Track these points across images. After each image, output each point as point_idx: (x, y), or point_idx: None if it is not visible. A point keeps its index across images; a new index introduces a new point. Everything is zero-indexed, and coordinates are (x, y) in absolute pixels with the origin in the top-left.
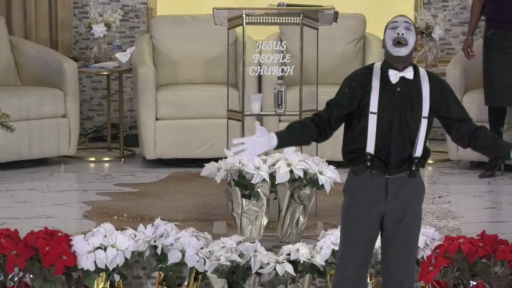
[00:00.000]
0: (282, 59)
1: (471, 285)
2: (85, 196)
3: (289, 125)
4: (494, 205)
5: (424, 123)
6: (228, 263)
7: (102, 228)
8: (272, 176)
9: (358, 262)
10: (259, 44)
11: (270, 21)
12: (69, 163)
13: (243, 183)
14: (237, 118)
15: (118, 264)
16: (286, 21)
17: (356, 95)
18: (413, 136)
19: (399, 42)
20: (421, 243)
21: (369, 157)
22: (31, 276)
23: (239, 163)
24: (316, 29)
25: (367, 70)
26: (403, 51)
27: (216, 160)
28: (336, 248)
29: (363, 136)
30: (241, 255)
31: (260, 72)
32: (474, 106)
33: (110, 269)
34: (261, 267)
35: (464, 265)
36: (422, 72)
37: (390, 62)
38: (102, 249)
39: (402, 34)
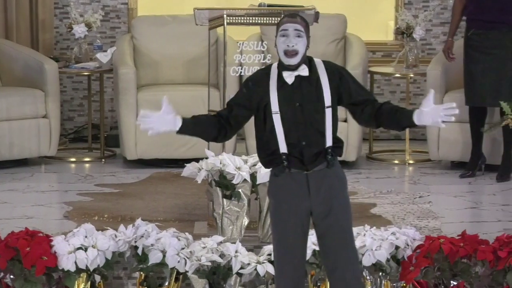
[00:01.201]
0: (263, 60)
1: (451, 285)
2: (65, 196)
3: (194, 115)
4: (475, 205)
5: (328, 112)
6: (209, 264)
7: (83, 229)
8: (253, 176)
9: (295, 260)
10: (240, 44)
11: (251, 21)
12: (50, 164)
13: (224, 183)
14: None
15: (98, 265)
16: (267, 22)
17: (253, 94)
18: (321, 127)
19: (290, 53)
20: (402, 243)
21: (284, 156)
22: (11, 276)
23: (220, 163)
24: None
25: (265, 71)
26: (294, 61)
27: (197, 160)
28: (317, 248)
29: (274, 137)
30: (222, 255)
31: (241, 72)
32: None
33: (91, 269)
34: (242, 268)
35: (445, 265)
36: (318, 63)
37: (283, 64)
38: (82, 249)
39: (293, 46)
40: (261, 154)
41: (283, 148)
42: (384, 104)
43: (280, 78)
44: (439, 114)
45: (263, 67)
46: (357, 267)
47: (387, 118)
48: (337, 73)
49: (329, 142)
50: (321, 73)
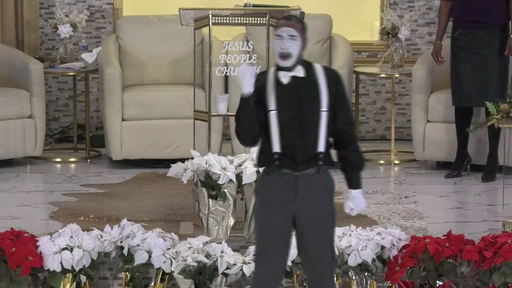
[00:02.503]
0: (249, 60)
1: (437, 285)
2: (51, 197)
3: None
4: (460, 205)
5: (324, 116)
6: (195, 264)
7: (68, 229)
8: (238, 176)
9: (274, 261)
10: (225, 44)
11: (236, 21)
12: (35, 164)
13: (209, 183)
14: (204, 118)
15: (84, 265)
16: (253, 22)
17: (256, 92)
18: (316, 130)
19: (284, 55)
20: (387, 243)
21: (277, 156)
22: None
23: (206, 163)
24: None
25: (263, 74)
26: (287, 63)
27: (182, 160)
28: None
29: (269, 136)
30: (207, 255)
31: (226, 72)
32: (440, 106)
33: (77, 270)
34: (227, 268)
35: (431, 265)
36: (318, 67)
37: (279, 65)
38: (68, 250)
39: (287, 48)
40: (257, 153)
41: (276, 147)
42: (349, 148)
43: (277, 78)
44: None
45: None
46: (332, 278)
47: (340, 162)
48: (336, 81)
49: (321, 147)
50: (320, 76)
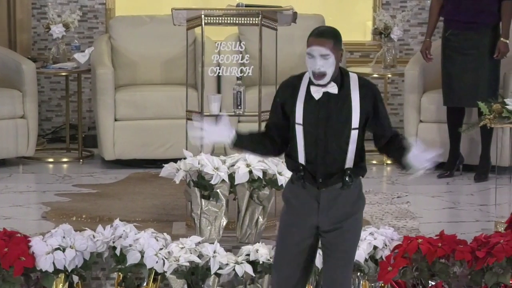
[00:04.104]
0: (241, 60)
1: (430, 285)
2: (43, 197)
3: (251, 132)
4: (453, 205)
5: (354, 134)
6: (187, 264)
7: (61, 229)
8: (231, 176)
9: (288, 269)
10: (218, 44)
11: (229, 21)
12: (28, 164)
13: (202, 183)
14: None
15: (77, 265)
16: (245, 22)
17: (285, 101)
18: (343, 148)
19: (317, 75)
20: (380, 243)
21: (301, 167)
22: None
23: (198, 163)
24: (275, 29)
25: (297, 80)
26: (322, 82)
27: (175, 160)
28: None
29: (295, 146)
30: (200, 255)
31: (219, 72)
32: (432, 106)
33: (69, 270)
34: (220, 268)
35: (423, 265)
36: (353, 79)
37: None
38: (60, 250)
39: (319, 68)
40: (286, 157)
41: (301, 159)
42: (393, 137)
43: (308, 90)
44: (425, 159)
45: (295, 74)
46: None
47: (390, 154)
48: (371, 97)
49: (349, 163)
50: (353, 91)
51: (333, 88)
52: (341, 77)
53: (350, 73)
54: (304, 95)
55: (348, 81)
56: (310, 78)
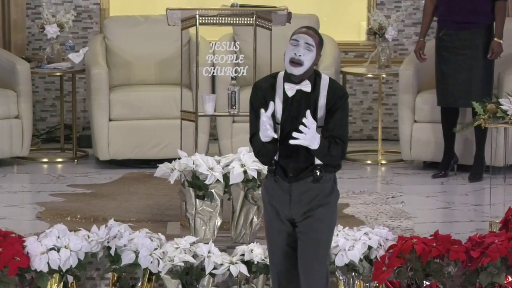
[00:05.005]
0: (236, 60)
1: (424, 285)
2: (38, 197)
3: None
4: (447, 205)
5: (319, 132)
6: (182, 264)
7: (55, 229)
8: (226, 176)
9: (282, 262)
10: (212, 44)
11: (223, 21)
12: (22, 164)
13: (196, 183)
14: (191, 118)
15: (71, 265)
16: (240, 22)
17: (262, 101)
18: None
19: (295, 62)
20: (374, 243)
21: (273, 162)
22: None
23: (193, 163)
24: (269, 29)
25: (272, 80)
26: (297, 71)
27: (169, 160)
28: None
29: (273, 142)
30: (195, 256)
31: (213, 72)
32: (426, 106)
33: (64, 270)
34: (215, 268)
35: (418, 265)
36: (324, 81)
37: (288, 74)
38: (55, 250)
39: (300, 55)
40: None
41: (277, 155)
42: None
43: (284, 89)
44: None
45: (268, 75)
46: (323, 282)
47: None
48: (336, 99)
49: (318, 160)
50: (322, 91)
51: (307, 87)
52: (314, 78)
53: (323, 75)
54: (282, 94)
55: (320, 82)
56: (284, 76)
